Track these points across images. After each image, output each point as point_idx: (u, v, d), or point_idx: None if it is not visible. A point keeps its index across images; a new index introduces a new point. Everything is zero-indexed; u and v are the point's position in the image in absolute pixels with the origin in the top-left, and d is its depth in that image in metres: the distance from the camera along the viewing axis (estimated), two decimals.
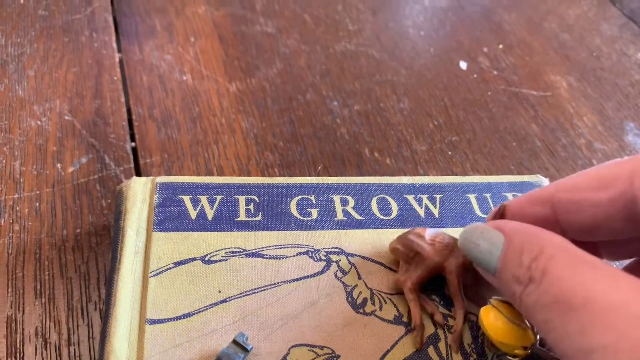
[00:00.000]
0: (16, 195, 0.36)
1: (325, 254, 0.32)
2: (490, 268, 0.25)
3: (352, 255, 0.32)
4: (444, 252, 0.30)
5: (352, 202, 0.35)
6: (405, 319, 0.30)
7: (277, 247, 0.32)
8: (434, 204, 0.36)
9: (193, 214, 0.33)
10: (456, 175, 0.41)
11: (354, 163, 0.41)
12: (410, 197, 0.36)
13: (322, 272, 0.32)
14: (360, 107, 0.45)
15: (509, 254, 0.23)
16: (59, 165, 0.38)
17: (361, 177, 0.36)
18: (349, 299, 0.31)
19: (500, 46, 0.53)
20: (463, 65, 0.50)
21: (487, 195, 0.36)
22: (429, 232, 0.31)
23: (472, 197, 0.36)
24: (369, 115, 0.45)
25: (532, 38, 0.55)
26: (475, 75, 0.50)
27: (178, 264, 0.31)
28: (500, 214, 0.28)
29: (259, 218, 0.33)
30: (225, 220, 0.33)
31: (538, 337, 0.29)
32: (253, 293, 0.30)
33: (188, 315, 0.29)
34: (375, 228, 0.34)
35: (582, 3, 0.60)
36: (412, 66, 0.50)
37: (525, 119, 0.46)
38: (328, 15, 0.54)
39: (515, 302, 0.23)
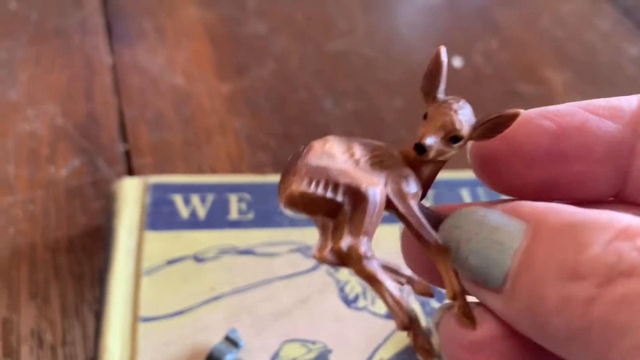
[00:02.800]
0: (10, 199, 0.36)
1: None
2: (494, 276, 0.14)
3: None
4: (378, 167, 0.17)
5: None
6: None
7: (269, 244, 0.32)
8: (426, 200, 0.36)
9: (185, 213, 0.33)
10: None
11: None
12: None
13: (314, 268, 0.32)
14: (354, 105, 0.45)
15: (542, 244, 0.13)
16: (52, 168, 0.38)
17: None
18: (341, 294, 0.31)
19: (495, 43, 0.53)
20: (457, 62, 0.50)
21: (480, 190, 0.36)
22: (336, 142, 0.17)
23: (464, 192, 0.36)
24: (363, 114, 0.45)
25: (526, 34, 0.55)
26: (469, 72, 0.50)
27: (170, 262, 0.31)
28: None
29: (250, 216, 0.33)
30: (217, 219, 0.33)
31: None
32: (245, 290, 0.30)
33: (181, 312, 0.29)
34: None
35: None
36: (405, 64, 0.50)
37: None
38: (320, 15, 0.54)
39: (541, 329, 0.13)
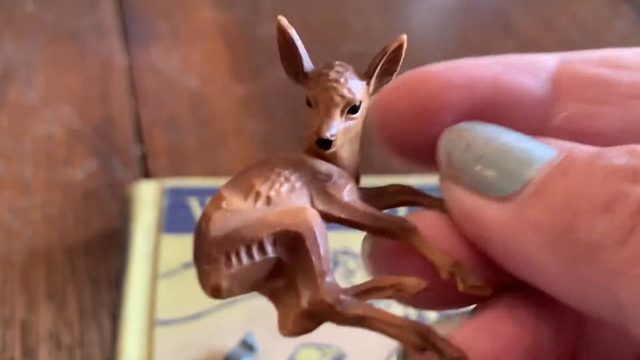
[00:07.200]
0: (27, 200, 0.37)
1: (333, 254, 0.32)
2: (510, 181, 0.12)
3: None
4: (294, 187, 0.14)
5: None
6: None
7: None
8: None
9: None
10: None
11: (362, 164, 0.41)
12: None
13: None
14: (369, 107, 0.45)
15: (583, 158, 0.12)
16: (68, 170, 0.38)
17: (368, 177, 0.36)
18: None
19: (511, 44, 0.53)
20: None
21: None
22: (233, 191, 0.13)
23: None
24: None
25: (543, 37, 0.54)
26: None
27: (187, 265, 0.31)
28: None
29: None
30: None
31: None
32: None
33: (197, 316, 0.29)
34: None
35: (594, 1, 0.60)
36: (420, 66, 0.50)
37: None
38: (335, 17, 0.54)
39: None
